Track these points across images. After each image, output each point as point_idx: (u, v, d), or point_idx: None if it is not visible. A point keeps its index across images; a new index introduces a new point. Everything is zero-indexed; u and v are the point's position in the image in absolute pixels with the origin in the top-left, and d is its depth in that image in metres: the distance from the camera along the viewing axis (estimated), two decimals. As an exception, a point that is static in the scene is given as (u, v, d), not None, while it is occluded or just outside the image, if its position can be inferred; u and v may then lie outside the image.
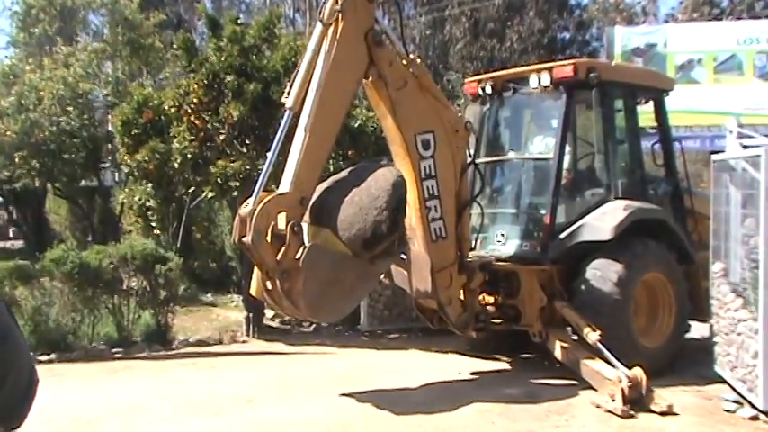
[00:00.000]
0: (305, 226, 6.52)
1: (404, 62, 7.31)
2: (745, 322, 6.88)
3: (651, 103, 9.27)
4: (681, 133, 14.41)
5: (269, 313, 11.75)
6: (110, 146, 16.78)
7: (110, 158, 17.39)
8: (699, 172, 17.66)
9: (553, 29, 29.72)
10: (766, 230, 6.35)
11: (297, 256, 6.27)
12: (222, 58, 10.48)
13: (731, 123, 9.58)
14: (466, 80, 9.72)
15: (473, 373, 8.50)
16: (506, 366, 8.93)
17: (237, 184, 10.04)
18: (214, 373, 8.77)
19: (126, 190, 12.62)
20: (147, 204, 11.53)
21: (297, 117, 6.70)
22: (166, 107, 10.93)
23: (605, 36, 19.41)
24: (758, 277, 6.42)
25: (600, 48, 28.32)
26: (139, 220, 12.08)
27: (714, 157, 8.27)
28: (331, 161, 9.62)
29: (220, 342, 10.74)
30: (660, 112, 9.28)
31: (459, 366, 8.75)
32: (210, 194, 10.63)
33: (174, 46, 12.31)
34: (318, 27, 6.95)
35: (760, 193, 6.43)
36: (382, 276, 8.93)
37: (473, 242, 8.13)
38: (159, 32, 21.93)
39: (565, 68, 8.36)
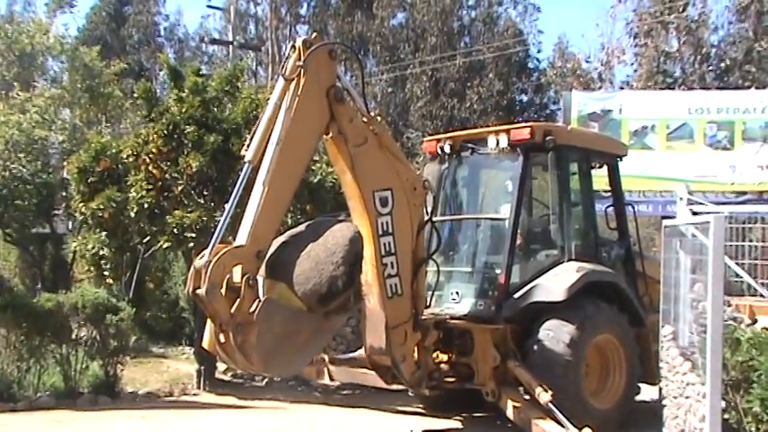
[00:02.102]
0: (260, 279, 6.48)
1: (364, 119, 7.38)
2: (693, 386, 6.94)
3: (605, 168, 9.49)
4: (634, 197, 14.71)
5: (221, 366, 11.57)
6: (64, 193, 16.55)
7: (63, 206, 17.13)
8: (651, 236, 18.05)
9: (512, 91, 30.50)
10: (714, 295, 6.47)
11: (251, 310, 6.21)
12: (183, 109, 10.48)
13: (681, 190, 9.88)
14: (425, 139, 9.86)
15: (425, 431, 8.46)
16: (459, 425, 8.89)
17: (194, 234, 9.95)
18: (163, 426, 8.61)
19: (79, 238, 12.42)
20: (101, 253, 11.35)
21: (256, 170, 6.70)
22: (124, 156, 10.85)
23: (562, 100, 19.89)
24: (706, 341, 6.52)
25: (557, 111, 29.06)
26: (92, 268, 11.85)
27: (665, 222, 8.46)
28: (289, 215, 9.62)
29: (170, 395, 10.57)
30: (614, 177, 9.50)
31: (411, 425, 8.67)
32: (166, 245, 10.50)
33: (135, 95, 12.28)
34: (280, 81, 7.00)
35: (708, 259, 6.57)
36: (327, 378, 9.12)
37: (428, 300, 8.14)
38: (119, 81, 21.92)
39: (522, 131, 8.53)
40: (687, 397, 7.05)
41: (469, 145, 8.99)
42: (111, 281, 12.09)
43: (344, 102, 7.16)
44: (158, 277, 15.28)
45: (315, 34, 7.19)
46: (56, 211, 17.38)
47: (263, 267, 6.55)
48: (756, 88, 22.18)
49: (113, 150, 11.21)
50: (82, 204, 11.19)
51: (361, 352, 9.02)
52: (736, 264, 10.69)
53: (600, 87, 26.36)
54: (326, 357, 9.45)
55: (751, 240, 12.54)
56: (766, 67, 25.60)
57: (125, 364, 10.45)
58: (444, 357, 8.53)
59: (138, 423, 8.71)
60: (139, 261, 13.84)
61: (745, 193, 17.51)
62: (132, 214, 10.50)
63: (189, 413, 9.38)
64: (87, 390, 9.96)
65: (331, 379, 9.35)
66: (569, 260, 8.50)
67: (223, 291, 6.22)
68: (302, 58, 6.89)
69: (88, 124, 18.17)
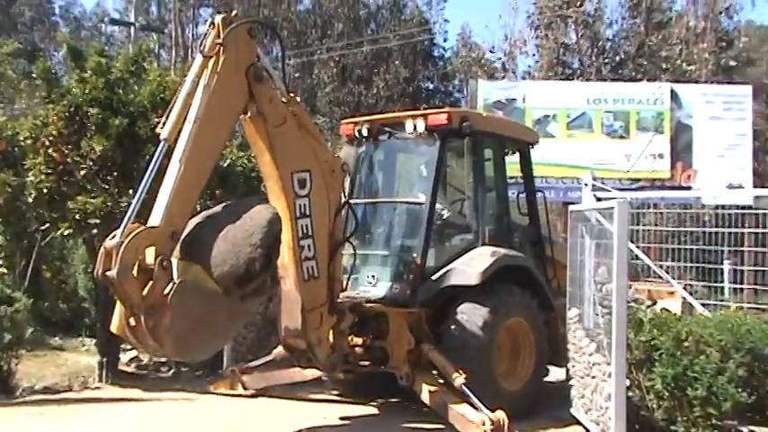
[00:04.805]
0: (174, 261, 6.29)
1: (284, 100, 7.28)
2: (598, 366, 7.18)
3: (517, 155, 9.67)
4: (536, 184, 15.10)
5: (124, 358, 11.18)
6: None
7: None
8: (553, 221, 18.56)
9: (418, 78, 30.78)
10: (618, 278, 6.69)
11: (165, 293, 6.02)
12: (86, 91, 10.03)
13: (587, 177, 10.15)
14: (342, 121, 9.81)
15: (341, 419, 8.41)
16: (374, 411, 8.88)
17: (98, 221, 9.56)
18: (63, 422, 8.15)
19: (-31, 224, 11.75)
20: (-5, 241, 10.83)
21: (171, 149, 6.50)
22: (21, 138, 10.32)
23: (468, 88, 20.21)
24: (611, 323, 6.74)
25: (462, 99, 29.52)
26: (-16, 257, 11.29)
27: (571, 207, 8.69)
28: (198, 201, 9.37)
29: (70, 389, 10.03)
30: (526, 163, 9.69)
31: (324, 412, 8.61)
32: (67, 231, 10.04)
33: (33, 75, 11.67)
34: (198, 58, 6.81)
35: (613, 243, 6.79)
36: (241, 389, 9.12)
37: (344, 283, 8.08)
38: (11, 61, 20.89)
39: (439, 116, 8.59)
40: (593, 377, 7.28)
41: (387, 129, 8.97)
42: (4, 270, 11.55)
43: (264, 81, 7.02)
44: (56, 266, 14.64)
45: (234, 12, 7.03)
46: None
47: (177, 249, 6.36)
48: (648, 81, 23.15)
49: (9, 132, 10.67)
50: (-26, 189, 10.60)
51: (274, 353, 9.00)
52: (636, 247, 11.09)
53: (503, 77, 26.91)
54: (237, 369, 9.34)
55: (645, 225, 13.10)
56: (656, 60, 26.75)
57: (20, 357, 9.91)
58: (359, 341, 8.51)
59: (36, 420, 8.23)
60: (36, 249, 13.21)
61: (639, 179, 18.28)
62: (30, 200, 10.01)
63: (91, 408, 8.94)
64: (-21, 386, 9.44)
65: (245, 389, 9.24)
66: (483, 244, 8.61)
67: (135, 272, 6.01)
68: (221, 36, 6.72)
69: (-21, 105, 17.22)
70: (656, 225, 14.21)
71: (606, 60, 27.72)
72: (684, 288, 10.97)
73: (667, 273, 11.22)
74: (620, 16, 28.88)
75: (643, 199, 14.55)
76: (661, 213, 16.30)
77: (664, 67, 26.05)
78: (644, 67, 26.69)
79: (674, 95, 18.78)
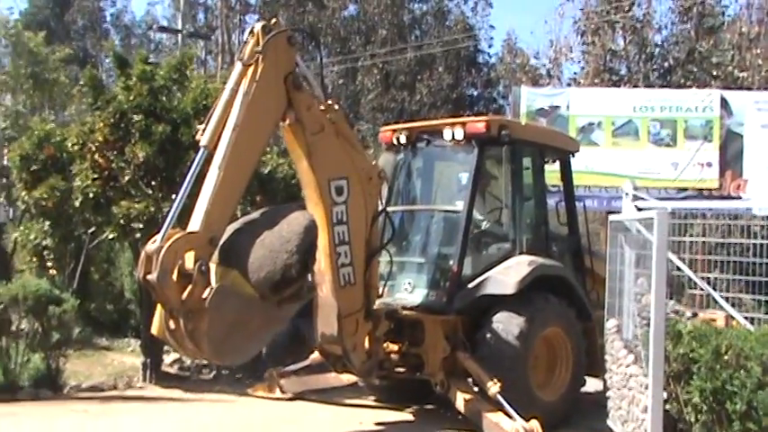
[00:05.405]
0: (213, 266, 6.41)
1: (322, 107, 7.37)
2: (636, 377, 7.10)
3: (557, 163, 9.61)
4: (579, 192, 14.93)
5: (167, 359, 11.39)
6: (5, 180, 16.10)
7: (4, 194, 16.65)
8: (596, 231, 18.33)
9: (462, 85, 30.65)
10: (657, 289, 6.61)
11: (203, 297, 6.14)
12: (131, 97, 10.26)
13: (627, 186, 10.04)
14: (381, 129, 9.88)
15: (376, 424, 8.45)
16: (409, 417, 8.92)
17: (141, 225, 9.78)
18: (106, 420, 8.40)
19: (21, 228, 12.10)
20: (44, 243, 11.10)
21: (211, 155, 6.64)
22: (69, 144, 10.61)
23: (512, 95, 19.99)
24: (649, 334, 6.67)
25: (506, 105, 29.30)
26: (34, 259, 11.58)
27: (611, 217, 8.59)
28: (239, 206, 9.53)
29: (115, 388, 10.33)
30: (566, 173, 9.64)
31: (361, 417, 8.68)
32: (112, 235, 10.31)
33: (81, 82, 11.99)
34: (238, 66, 6.94)
35: (652, 254, 6.71)
36: (279, 392, 9.23)
37: (380, 289, 8.14)
38: (64, 67, 21.43)
39: (478, 124, 8.60)
40: (630, 388, 7.20)
41: (425, 136, 9.02)
42: (54, 271, 11.84)
43: (302, 89, 7.14)
44: (103, 268, 14.98)
45: (274, 20, 7.15)
46: (-5, 200, 16.94)
47: (215, 254, 6.48)
48: (697, 87, 22.70)
49: (58, 138, 10.98)
50: (24, 193, 10.93)
51: (311, 358, 9.09)
52: (679, 258, 10.90)
53: (548, 84, 26.58)
54: (275, 372, 9.45)
55: (691, 235, 12.85)
56: (707, 67, 26.19)
57: (68, 356, 10.19)
58: (395, 347, 8.56)
59: (82, 417, 8.48)
60: (84, 251, 13.55)
61: (686, 189, 17.92)
62: (77, 204, 10.29)
63: (134, 406, 9.20)
64: (28, 383, 9.64)
65: (282, 392, 9.35)
66: (520, 253, 8.59)
67: (175, 277, 6.14)
68: (261, 44, 6.84)
69: (32, 111, 17.72)
70: (703, 236, 13.88)
71: (655, 67, 27.22)
72: (727, 300, 10.75)
73: (713, 284, 10.99)
74: (669, 21, 28.25)
75: (689, 209, 14.29)
76: (709, 224, 15.93)
77: (714, 73, 25.45)
78: (694, 74, 26.12)
79: (724, 103, 18.33)
